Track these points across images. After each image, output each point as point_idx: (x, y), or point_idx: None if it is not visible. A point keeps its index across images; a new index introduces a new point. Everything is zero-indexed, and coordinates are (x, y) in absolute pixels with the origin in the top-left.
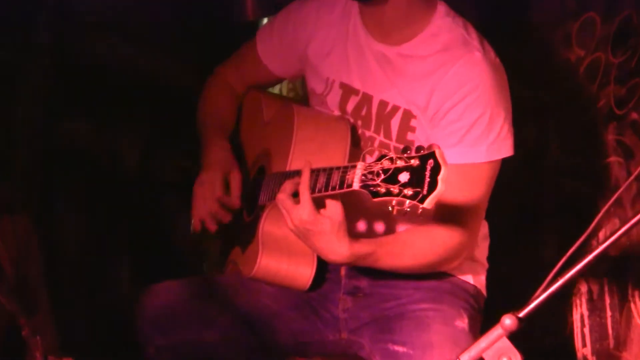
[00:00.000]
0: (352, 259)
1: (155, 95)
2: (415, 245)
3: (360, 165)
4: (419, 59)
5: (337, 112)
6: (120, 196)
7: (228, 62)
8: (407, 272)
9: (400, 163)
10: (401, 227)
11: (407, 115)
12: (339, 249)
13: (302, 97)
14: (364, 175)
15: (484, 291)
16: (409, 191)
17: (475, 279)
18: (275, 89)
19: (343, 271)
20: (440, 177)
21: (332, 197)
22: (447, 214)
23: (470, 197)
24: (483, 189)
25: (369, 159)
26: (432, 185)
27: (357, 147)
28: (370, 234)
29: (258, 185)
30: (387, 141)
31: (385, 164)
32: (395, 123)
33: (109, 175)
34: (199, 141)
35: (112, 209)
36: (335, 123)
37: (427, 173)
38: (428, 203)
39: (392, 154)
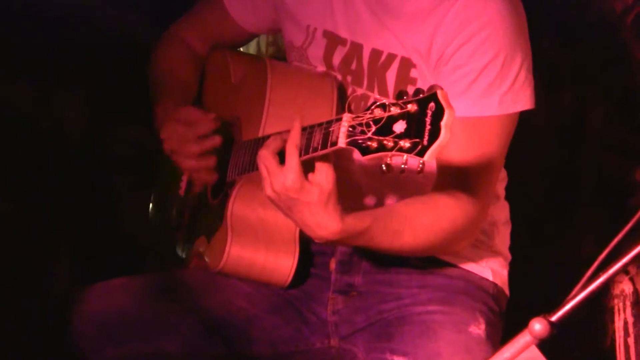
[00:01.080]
0: (343, 235)
1: (107, 51)
2: (416, 219)
3: (346, 117)
4: None
5: (321, 68)
6: (61, 174)
7: (186, 18)
8: (406, 253)
9: (394, 110)
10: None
11: (406, 65)
12: (328, 223)
13: (284, 52)
14: (351, 128)
15: (506, 290)
16: (405, 143)
17: (496, 274)
18: (253, 43)
19: (333, 265)
20: (443, 123)
21: (322, 158)
22: (454, 180)
23: (481, 159)
24: (496, 148)
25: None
26: (434, 134)
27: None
28: (366, 206)
29: (225, 159)
30: (383, 99)
31: (377, 112)
32: (391, 75)
33: (47, 148)
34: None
35: (50, 189)
36: (318, 80)
37: (428, 120)
38: (429, 156)
39: (384, 100)
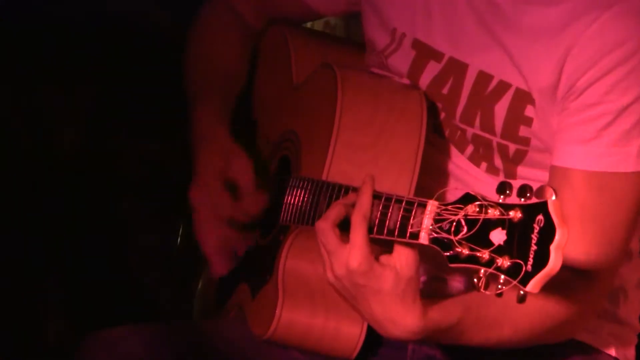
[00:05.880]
0: (423, 335)
1: (109, 40)
2: (519, 308)
3: (431, 205)
4: (545, 6)
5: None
6: (51, 197)
7: None
8: (504, 348)
9: (492, 212)
10: None
11: (521, 99)
12: (405, 320)
13: (339, 35)
14: (436, 223)
15: None
16: (505, 261)
17: (620, 350)
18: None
19: None
20: (554, 246)
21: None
22: (570, 253)
23: (607, 226)
24: (626, 213)
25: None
26: (541, 259)
27: (441, 136)
28: (450, 289)
29: (280, 191)
30: (486, 135)
31: (471, 210)
32: (501, 109)
33: (35, 165)
34: (185, 108)
35: (38, 216)
36: (403, 98)
37: (534, 237)
38: (533, 286)
39: (480, 198)
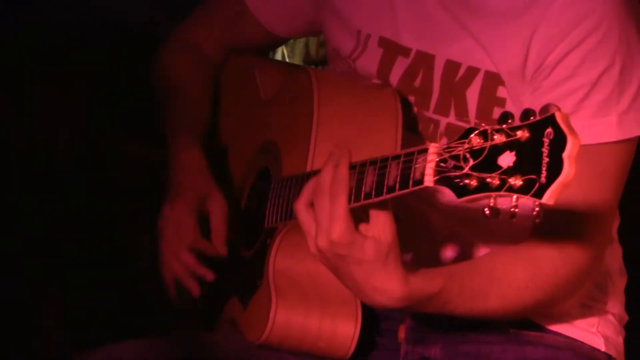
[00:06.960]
0: (408, 302)
1: (102, 41)
2: (506, 276)
3: (432, 147)
4: None
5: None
6: (45, 198)
7: (196, 15)
8: (492, 319)
9: (498, 138)
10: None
11: (492, 81)
12: (388, 286)
13: None
14: (441, 162)
15: None
16: (517, 180)
17: (609, 343)
18: (300, 45)
19: (402, 333)
20: (566, 154)
21: (380, 204)
22: (558, 224)
23: (594, 197)
24: (612, 183)
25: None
26: (555, 168)
27: (413, 132)
28: (435, 261)
29: (262, 199)
30: (461, 124)
31: (475, 141)
32: (473, 94)
33: (29, 166)
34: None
35: (32, 223)
36: (377, 93)
37: (545, 150)
38: (549, 196)
39: (484, 126)
